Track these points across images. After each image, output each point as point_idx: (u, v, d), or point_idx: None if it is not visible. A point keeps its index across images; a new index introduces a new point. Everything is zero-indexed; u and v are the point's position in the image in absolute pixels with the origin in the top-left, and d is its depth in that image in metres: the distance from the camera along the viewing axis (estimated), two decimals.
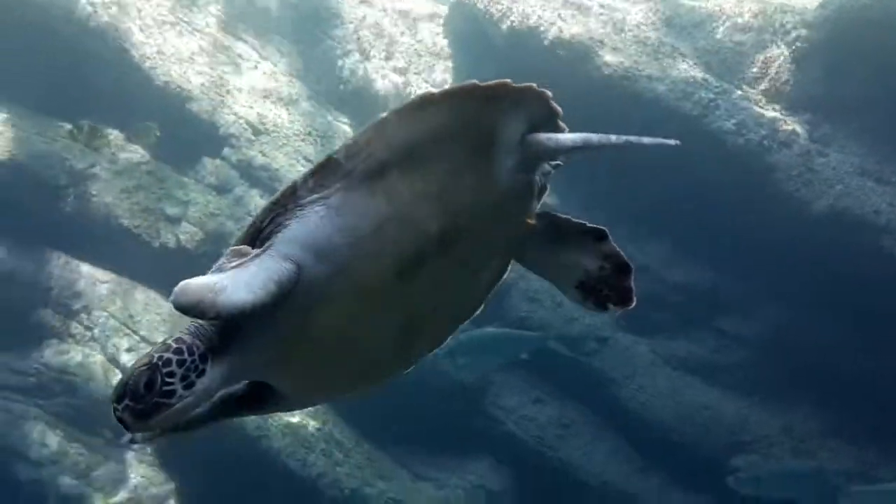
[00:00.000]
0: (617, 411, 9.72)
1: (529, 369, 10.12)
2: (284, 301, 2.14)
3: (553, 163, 2.49)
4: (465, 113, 2.25)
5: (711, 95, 9.70)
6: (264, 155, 10.84)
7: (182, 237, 10.39)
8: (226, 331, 2.19)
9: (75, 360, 10.11)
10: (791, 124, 9.73)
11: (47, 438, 9.76)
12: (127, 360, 9.96)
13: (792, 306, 9.54)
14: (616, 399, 9.71)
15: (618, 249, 2.61)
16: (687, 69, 9.82)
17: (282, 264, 2.16)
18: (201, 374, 2.11)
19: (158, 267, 10.35)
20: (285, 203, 2.21)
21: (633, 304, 2.60)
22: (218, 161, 10.88)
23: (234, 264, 2.20)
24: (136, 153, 10.80)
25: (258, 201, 10.57)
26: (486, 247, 2.44)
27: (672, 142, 2.43)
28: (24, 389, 10.07)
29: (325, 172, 2.20)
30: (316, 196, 2.20)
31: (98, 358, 10.13)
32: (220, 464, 9.18)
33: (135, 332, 10.18)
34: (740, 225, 9.41)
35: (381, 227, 2.19)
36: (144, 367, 2.05)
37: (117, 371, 9.97)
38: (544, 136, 2.35)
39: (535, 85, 2.31)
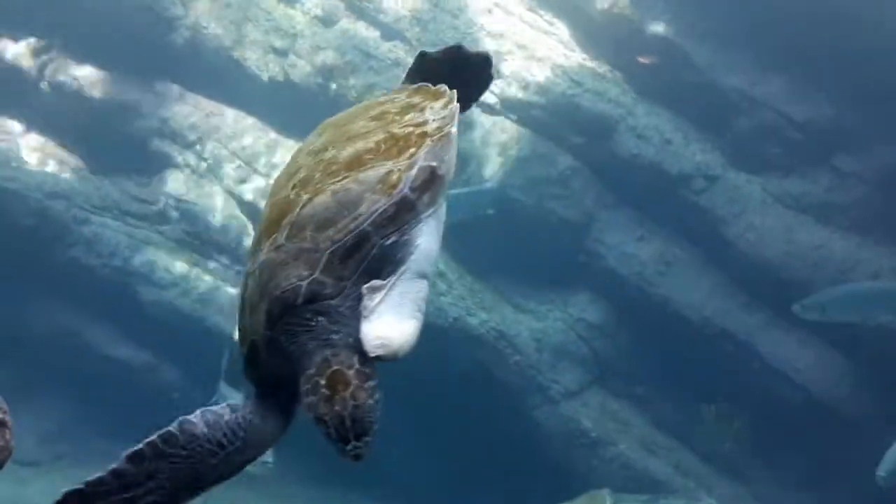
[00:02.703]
0: (723, 249, 9.60)
1: (636, 208, 10.06)
2: None
3: None
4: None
5: None
6: None
7: (289, 70, 10.50)
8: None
9: (192, 190, 10.54)
10: None
11: (168, 263, 10.29)
12: (240, 190, 10.35)
13: None
14: (723, 237, 9.58)
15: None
16: None
17: (419, 283, 2.35)
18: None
19: (268, 99, 10.56)
20: (407, 219, 2.33)
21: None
22: None
23: (380, 301, 2.27)
24: None
25: (364, 34, 10.53)
26: None
27: None
28: (146, 217, 10.59)
29: (436, 188, 2.41)
30: (431, 210, 2.40)
31: (214, 188, 10.52)
32: None
33: (247, 163, 10.49)
34: (866, 58, 8.90)
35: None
36: (371, 402, 2.14)
37: (232, 200, 10.39)
38: None
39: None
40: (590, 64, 10.22)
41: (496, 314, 9.76)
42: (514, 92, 10.13)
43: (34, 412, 10.46)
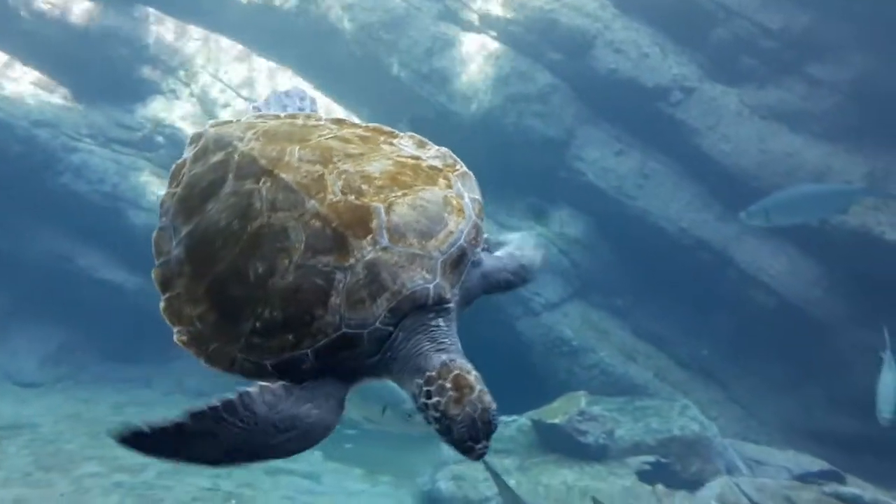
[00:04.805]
0: (699, 161, 9.76)
1: (615, 123, 10.18)
2: None
3: None
4: None
5: None
6: None
7: None
8: None
9: (177, 114, 10.65)
10: None
11: (156, 187, 10.44)
12: (225, 115, 10.44)
13: (883, 52, 9.20)
14: (699, 149, 9.73)
15: None
16: None
17: None
18: None
19: (248, 22, 10.61)
20: (480, 241, 2.56)
21: None
22: None
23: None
24: None
25: None
26: None
27: None
28: (132, 143, 10.73)
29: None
30: None
31: (198, 112, 10.63)
32: None
33: (229, 86, 10.59)
34: None
35: None
36: (495, 406, 2.27)
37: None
38: None
39: None
40: None
41: None
42: (493, 8, 10.17)
43: (34, 336, 10.79)
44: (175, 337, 2.50)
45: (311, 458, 8.92)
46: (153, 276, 2.63)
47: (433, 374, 2.28)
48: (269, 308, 2.34)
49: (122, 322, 10.27)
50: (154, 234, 2.70)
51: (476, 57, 10.18)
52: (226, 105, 10.55)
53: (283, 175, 2.50)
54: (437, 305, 2.36)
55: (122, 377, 10.67)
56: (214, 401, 2.26)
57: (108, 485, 7.93)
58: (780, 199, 8.45)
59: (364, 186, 2.46)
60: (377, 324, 2.31)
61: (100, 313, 10.47)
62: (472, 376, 2.28)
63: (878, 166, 9.20)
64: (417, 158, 2.67)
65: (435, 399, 2.26)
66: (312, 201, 2.42)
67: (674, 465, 8.15)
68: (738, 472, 8.33)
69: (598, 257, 10.11)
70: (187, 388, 10.10)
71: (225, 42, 10.72)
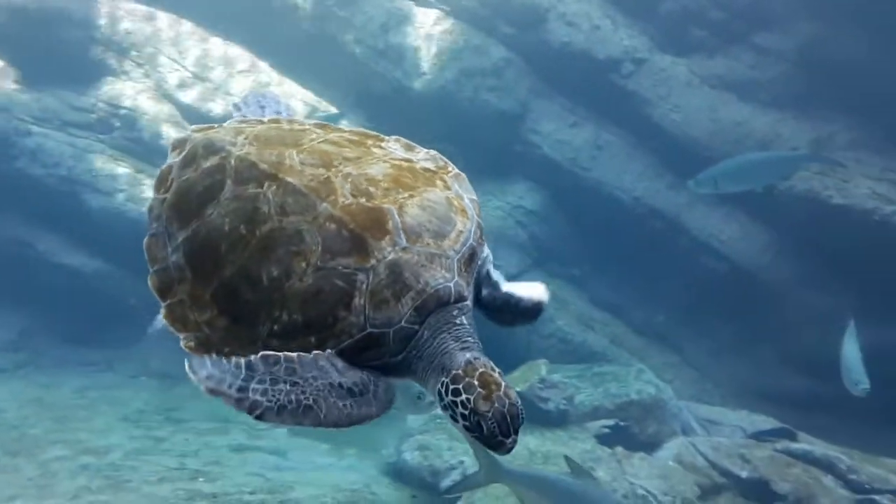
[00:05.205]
0: (651, 131, 9.96)
1: (568, 96, 10.31)
2: None
3: None
4: None
5: None
6: None
7: None
8: None
9: (131, 96, 10.57)
10: None
11: (113, 169, 10.38)
12: (180, 96, 10.39)
13: (829, 21, 9.43)
14: (650, 119, 9.92)
15: None
16: None
17: None
18: None
19: (203, 2, 10.54)
20: (483, 240, 2.65)
21: None
22: None
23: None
24: None
25: None
26: None
27: None
28: (86, 125, 10.62)
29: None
30: None
31: (152, 94, 10.57)
32: None
33: (184, 67, 10.54)
34: None
35: None
36: (520, 403, 2.32)
37: (172, 105, 10.44)
38: None
39: None
40: None
41: None
42: None
43: None
44: (182, 343, 2.47)
45: (276, 435, 9.02)
46: (150, 283, 2.59)
47: (459, 372, 2.32)
48: (288, 311, 2.36)
49: (82, 306, 10.25)
50: (145, 241, 2.66)
51: (431, 32, 10.24)
52: (180, 85, 10.49)
53: (289, 179, 2.51)
54: (458, 303, 2.41)
55: (84, 361, 10.64)
56: (292, 353, 2.31)
57: (75, 467, 7.95)
58: (728, 166, 8.63)
59: (371, 189, 2.50)
60: (403, 322, 2.35)
61: (59, 298, 10.42)
62: (497, 373, 2.33)
63: (824, 133, 9.44)
64: (410, 161, 2.71)
65: (464, 396, 2.29)
66: (324, 204, 2.44)
67: (632, 427, 8.38)
68: (694, 432, 8.60)
69: (554, 228, 10.29)
70: (152, 370, 10.13)
71: (178, 22, 10.64)
